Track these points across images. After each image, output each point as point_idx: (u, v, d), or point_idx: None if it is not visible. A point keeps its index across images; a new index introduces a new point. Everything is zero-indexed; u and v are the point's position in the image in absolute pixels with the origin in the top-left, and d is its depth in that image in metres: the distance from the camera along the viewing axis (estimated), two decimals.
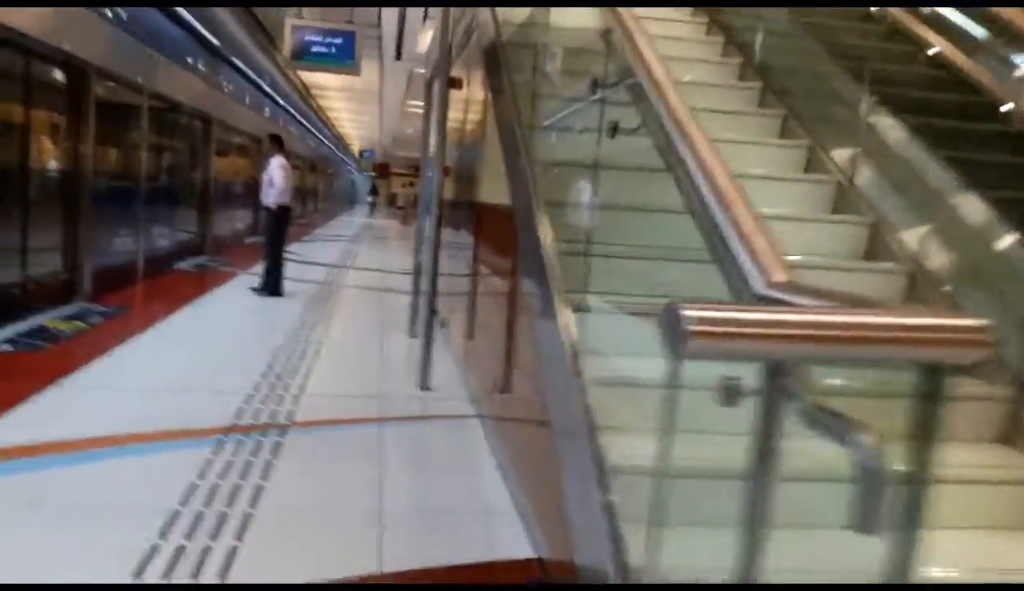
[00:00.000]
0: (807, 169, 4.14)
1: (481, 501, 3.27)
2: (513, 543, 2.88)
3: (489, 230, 5.02)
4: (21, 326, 5.73)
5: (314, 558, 2.63)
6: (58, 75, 6.77)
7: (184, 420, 3.95)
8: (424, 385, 4.93)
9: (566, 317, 2.70)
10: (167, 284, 8.98)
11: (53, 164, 6.98)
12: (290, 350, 5.75)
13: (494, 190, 4.79)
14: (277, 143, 8.65)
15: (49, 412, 3.94)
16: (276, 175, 8.24)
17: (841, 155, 4.05)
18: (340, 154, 38.84)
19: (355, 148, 40.57)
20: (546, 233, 3.12)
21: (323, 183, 32.57)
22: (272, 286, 8.31)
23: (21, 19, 5.59)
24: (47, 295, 6.57)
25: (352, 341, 6.58)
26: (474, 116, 5.92)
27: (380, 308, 8.27)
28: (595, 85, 2.53)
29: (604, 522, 2.15)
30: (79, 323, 6.15)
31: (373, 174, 45.82)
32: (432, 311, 5.09)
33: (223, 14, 11.19)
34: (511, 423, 3.64)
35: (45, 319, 6.10)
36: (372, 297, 9.18)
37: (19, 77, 6.13)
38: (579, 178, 3.18)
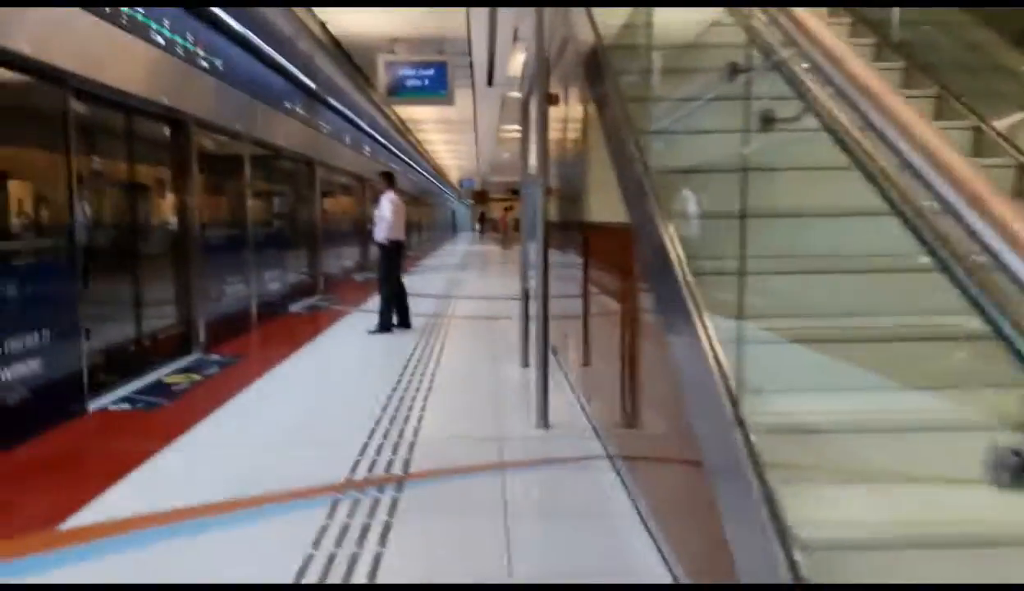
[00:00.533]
0: (974, 152, 3.56)
1: (626, 561, 2.86)
2: None
3: (600, 249, 4.64)
4: (139, 383, 5.77)
5: None
6: (159, 129, 6.88)
7: (298, 477, 3.74)
8: (543, 422, 4.57)
9: (711, 341, 2.29)
10: (281, 328, 9.04)
11: (161, 218, 7.10)
12: (403, 390, 5.53)
13: (604, 206, 4.41)
14: (388, 179, 8.72)
15: (161, 478, 3.81)
16: (386, 210, 8.27)
17: (1016, 132, 3.46)
18: (440, 185, 39.41)
19: (453, 178, 41.14)
20: (676, 248, 2.71)
21: (426, 215, 33.06)
22: (389, 322, 8.33)
23: (120, 76, 5.67)
24: (164, 349, 6.65)
25: (465, 375, 6.31)
26: (574, 132, 5.58)
27: (490, 337, 8.01)
28: (734, 71, 2.12)
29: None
30: (195, 376, 6.16)
31: (471, 202, 46.51)
32: (544, 342, 4.73)
33: (319, 57, 11.37)
34: (649, 464, 3.22)
35: (162, 374, 6.14)
36: (481, 326, 8.95)
37: (120, 133, 6.25)
38: (711, 183, 2.77)
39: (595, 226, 4.76)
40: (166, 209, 7.10)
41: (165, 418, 4.94)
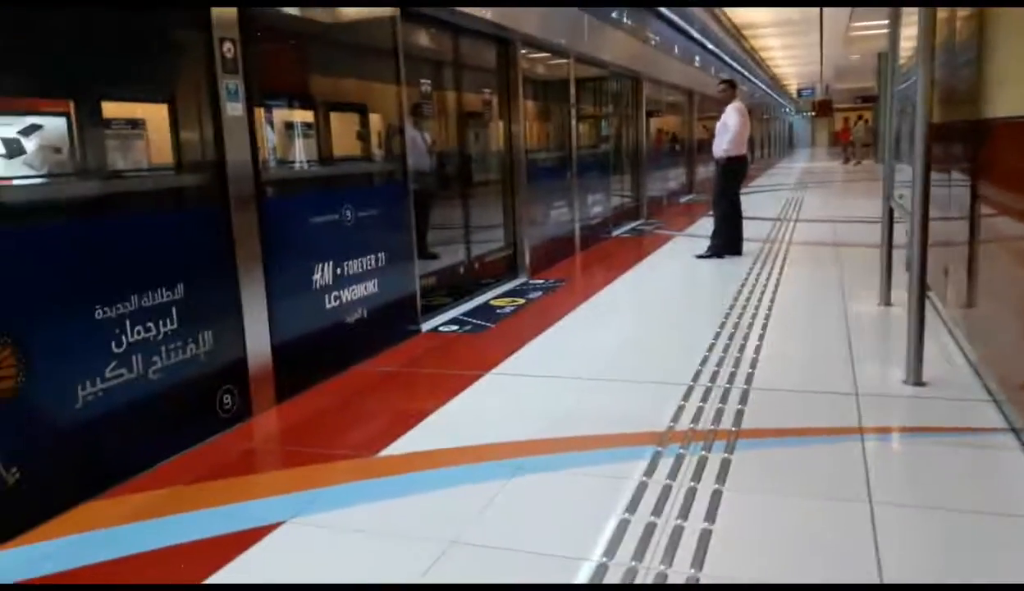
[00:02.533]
0: None
1: None
2: None
3: (1008, 154, 3.50)
4: (468, 305, 5.88)
5: None
6: (487, 51, 6.80)
7: (616, 419, 3.38)
8: (916, 377, 3.65)
9: None
10: (603, 253, 8.81)
11: (489, 145, 7.12)
12: (733, 325, 4.90)
13: (1015, 98, 3.28)
14: (731, 87, 7.95)
15: (482, 404, 3.70)
16: (731, 120, 7.56)
17: None
18: (775, 96, 36.43)
19: (791, 87, 37.78)
20: None
21: (760, 130, 30.77)
22: (724, 246, 7.68)
23: None
24: (491, 272, 6.74)
25: (808, 312, 5.46)
26: (967, 13, 4.32)
27: (837, 267, 6.92)
28: None
29: None
30: (519, 299, 6.12)
31: (812, 113, 42.43)
32: (922, 276, 3.73)
33: None
34: None
35: (488, 297, 6.21)
36: (824, 254, 7.82)
37: (448, 57, 6.25)
38: None
39: (1000, 124, 3.60)
40: (494, 134, 7.11)
41: (490, 341, 4.90)
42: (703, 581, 2.13)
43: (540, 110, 8.39)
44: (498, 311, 5.73)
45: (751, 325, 4.92)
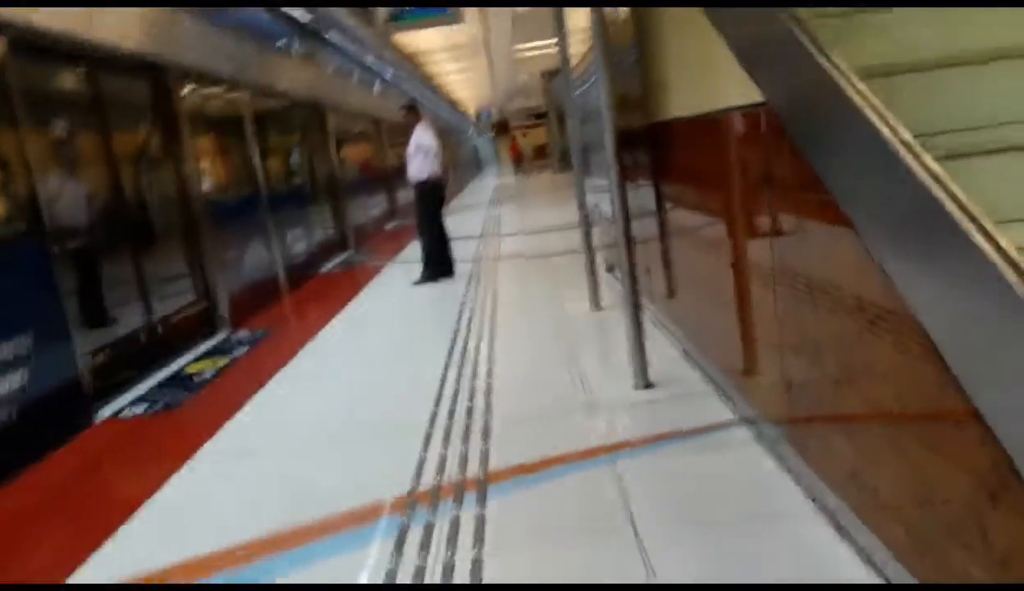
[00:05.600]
0: None
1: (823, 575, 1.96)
2: None
3: (686, 153, 3.65)
4: (157, 377, 4.97)
5: None
6: (138, 85, 5.91)
7: (350, 491, 2.89)
8: (645, 381, 3.64)
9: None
10: (314, 292, 8.20)
11: (164, 189, 6.19)
12: (460, 352, 4.65)
13: (686, 97, 3.43)
14: (413, 110, 7.71)
15: (174, 512, 2.99)
16: (425, 141, 7.30)
17: None
18: (458, 120, 37.93)
19: (470, 111, 39.62)
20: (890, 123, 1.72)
21: (448, 153, 31.75)
22: (437, 270, 7.43)
23: (83, 23, 4.69)
24: (183, 332, 5.82)
25: (530, 327, 5.38)
26: (619, 20, 4.51)
27: (547, 276, 7.06)
28: None
29: None
30: (221, 359, 5.34)
31: (492, 135, 45.06)
32: (632, 279, 3.73)
33: None
34: (838, 428, 2.27)
35: (184, 361, 5.34)
36: (533, 265, 7.99)
37: (89, 96, 5.29)
38: None
39: (671, 125, 3.75)
40: (167, 178, 6.19)
41: (187, 419, 4.14)
42: None
43: (217, 146, 7.56)
44: (195, 378, 4.92)
45: (478, 348, 4.71)
